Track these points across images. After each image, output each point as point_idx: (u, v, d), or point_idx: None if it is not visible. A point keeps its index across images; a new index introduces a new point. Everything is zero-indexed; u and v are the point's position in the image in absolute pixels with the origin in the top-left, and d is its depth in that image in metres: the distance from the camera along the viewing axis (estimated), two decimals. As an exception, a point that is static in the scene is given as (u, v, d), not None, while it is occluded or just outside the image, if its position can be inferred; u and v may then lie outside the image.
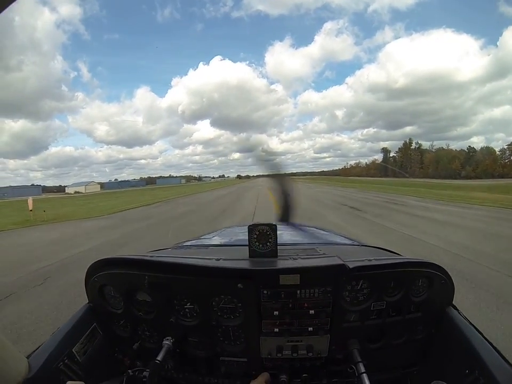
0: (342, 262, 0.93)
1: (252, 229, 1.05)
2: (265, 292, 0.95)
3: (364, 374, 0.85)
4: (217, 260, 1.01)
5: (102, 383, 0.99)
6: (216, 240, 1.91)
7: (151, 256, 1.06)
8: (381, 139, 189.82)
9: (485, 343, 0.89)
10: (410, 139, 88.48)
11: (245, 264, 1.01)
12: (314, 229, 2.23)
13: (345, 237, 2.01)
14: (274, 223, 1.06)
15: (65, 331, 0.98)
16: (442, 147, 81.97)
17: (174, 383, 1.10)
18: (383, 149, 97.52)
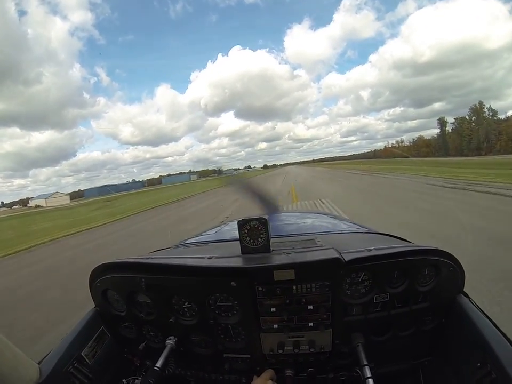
0: (337, 256, 0.87)
1: (241, 224, 1.00)
2: (260, 288, 0.92)
3: (370, 379, 0.80)
4: (210, 258, 0.98)
5: None
6: (216, 235, 1.83)
7: (147, 258, 1.05)
8: (408, 118, 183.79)
9: (498, 334, 0.81)
10: (480, 102, 61.49)
11: (237, 262, 0.97)
12: (320, 216, 2.23)
13: (352, 223, 1.86)
14: (264, 217, 1.00)
15: (73, 336, 0.98)
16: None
17: (182, 380, 1.11)
18: (439, 119, 70.79)
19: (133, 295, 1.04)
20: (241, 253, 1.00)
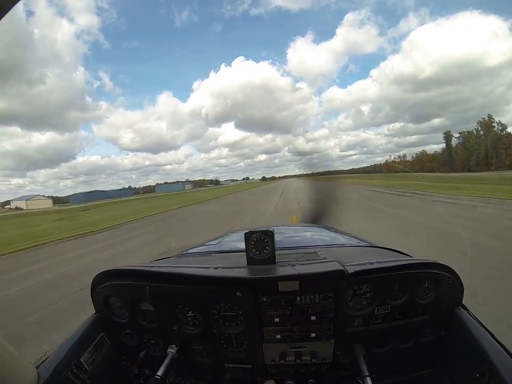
0: (341, 268, 0.90)
1: (248, 236, 1.02)
2: (264, 299, 0.94)
3: None
4: (216, 268, 0.99)
5: None
6: (219, 246, 1.83)
7: (151, 267, 1.04)
8: (408, 133, 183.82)
9: (496, 345, 0.83)
10: (489, 115, 58.71)
11: (242, 272, 0.98)
12: (322, 229, 2.23)
13: (352, 237, 1.90)
14: (271, 229, 1.01)
15: (73, 341, 0.98)
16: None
17: None
18: (445, 133, 67.83)
19: (135, 302, 1.04)
20: (247, 264, 1.02)
